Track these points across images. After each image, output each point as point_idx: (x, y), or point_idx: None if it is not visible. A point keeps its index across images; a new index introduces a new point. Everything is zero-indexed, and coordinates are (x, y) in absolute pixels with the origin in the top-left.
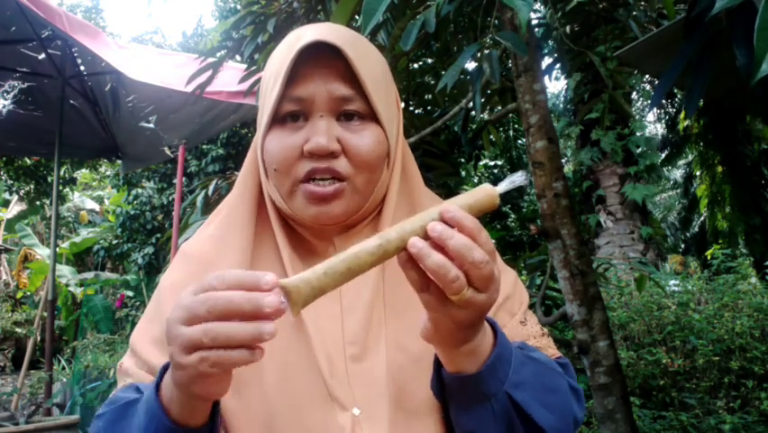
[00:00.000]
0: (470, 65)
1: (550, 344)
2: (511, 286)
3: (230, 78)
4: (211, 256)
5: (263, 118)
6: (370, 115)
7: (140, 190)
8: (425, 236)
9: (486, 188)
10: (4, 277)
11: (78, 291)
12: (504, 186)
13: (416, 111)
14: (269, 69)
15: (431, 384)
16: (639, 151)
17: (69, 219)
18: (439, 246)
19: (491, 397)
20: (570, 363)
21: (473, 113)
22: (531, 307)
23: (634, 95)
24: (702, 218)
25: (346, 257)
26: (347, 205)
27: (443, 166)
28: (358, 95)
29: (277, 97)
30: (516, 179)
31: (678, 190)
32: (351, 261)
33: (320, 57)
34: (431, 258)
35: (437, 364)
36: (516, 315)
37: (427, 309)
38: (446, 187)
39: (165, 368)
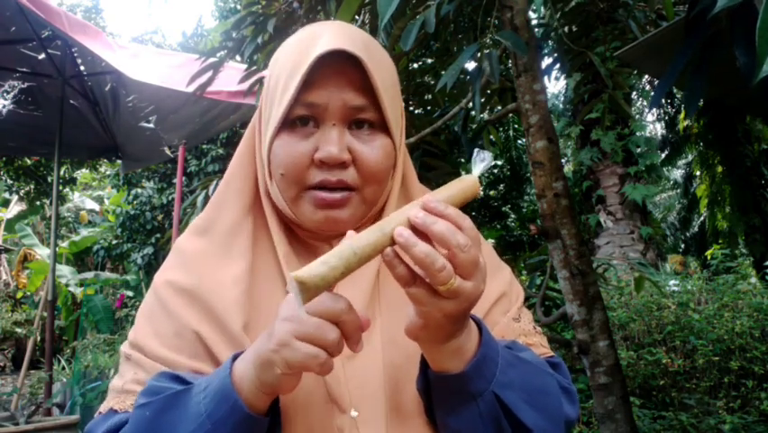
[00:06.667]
0: (470, 65)
1: (542, 342)
2: (507, 283)
3: (230, 78)
4: (211, 255)
5: (272, 120)
6: (381, 125)
7: (140, 190)
8: (410, 228)
9: (465, 178)
10: (4, 277)
11: (78, 291)
12: (478, 171)
13: (416, 111)
14: (280, 67)
15: (416, 383)
16: (639, 151)
17: (69, 219)
18: (423, 235)
19: (477, 397)
20: (562, 363)
21: (473, 113)
22: (531, 307)
23: (634, 95)
24: (702, 218)
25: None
26: (354, 212)
27: (443, 166)
28: (371, 104)
29: (290, 102)
30: (485, 158)
31: (678, 190)
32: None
33: (335, 63)
34: (417, 247)
35: (423, 364)
36: (509, 312)
37: (415, 304)
38: None
39: (233, 358)
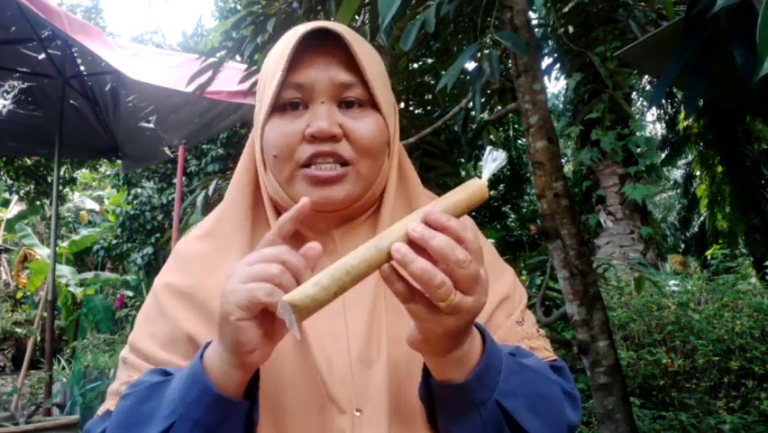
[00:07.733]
0: (470, 65)
1: (546, 345)
2: (510, 286)
3: (230, 78)
4: (211, 257)
5: (263, 106)
6: (370, 103)
7: (140, 190)
8: (408, 241)
9: (472, 183)
10: (4, 277)
11: (78, 291)
12: (488, 172)
13: (416, 111)
14: (269, 62)
15: (419, 392)
16: (639, 151)
17: (69, 219)
18: (421, 249)
19: (480, 405)
20: (565, 367)
21: (473, 113)
22: (531, 307)
23: (634, 95)
24: (702, 218)
25: (342, 270)
26: (350, 189)
27: (442, 166)
28: (358, 82)
29: (278, 84)
30: (497, 158)
31: (678, 190)
32: (353, 272)
33: (320, 45)
34: (415, 263)
35: (425, 373)
36: (512, 315)
37: (415, 320)
38: (446, 187)
39: (206, 346)
